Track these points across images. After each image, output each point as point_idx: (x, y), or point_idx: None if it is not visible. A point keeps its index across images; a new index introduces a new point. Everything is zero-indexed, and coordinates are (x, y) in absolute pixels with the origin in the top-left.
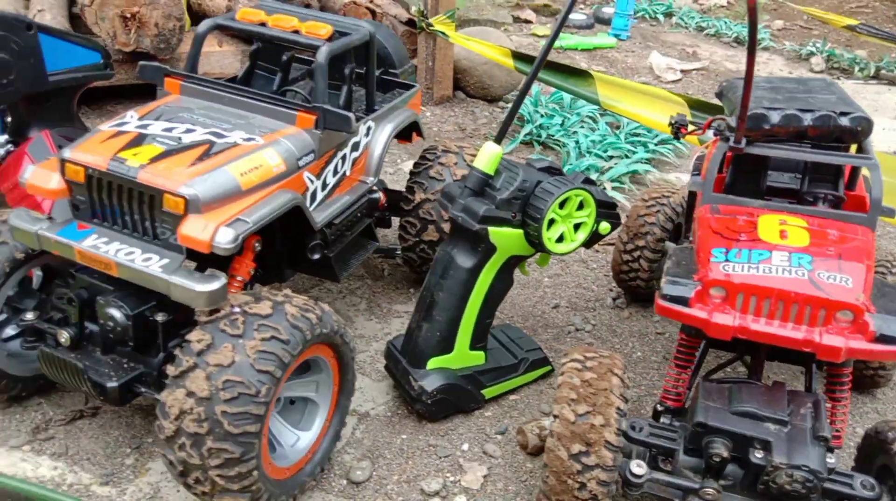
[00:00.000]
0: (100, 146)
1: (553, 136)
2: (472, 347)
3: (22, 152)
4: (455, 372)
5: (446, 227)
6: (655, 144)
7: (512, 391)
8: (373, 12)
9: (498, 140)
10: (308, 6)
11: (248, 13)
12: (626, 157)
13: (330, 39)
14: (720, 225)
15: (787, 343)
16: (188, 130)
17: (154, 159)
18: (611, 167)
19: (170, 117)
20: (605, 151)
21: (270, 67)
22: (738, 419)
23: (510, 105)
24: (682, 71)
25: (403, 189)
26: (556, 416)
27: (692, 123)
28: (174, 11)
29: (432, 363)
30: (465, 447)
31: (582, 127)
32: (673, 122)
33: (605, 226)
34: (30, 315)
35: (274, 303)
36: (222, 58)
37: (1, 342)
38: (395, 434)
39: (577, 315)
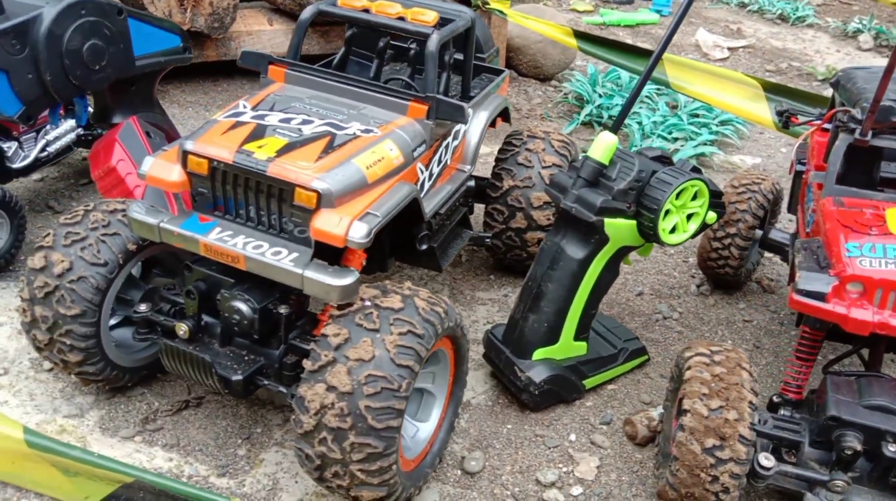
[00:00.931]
0: (222, 138)
1: (614, 117)
2: (576, 337)
3: (112, 139)
4: (560, 363)
5: (535, 214)
6: (717, 125)
7: (610, 381)
8: None
9: (614, 130)
10: None
11: None
12: (691, 138)
13: (436, 26)
14: (848, 218)
15: None
16: (305, 121)
17: (280, 152)
18: (676, 150)
19: (283, 107)
20: (670, 133)
21: (366, 53)
22: (869, 412)
23: (564, 84)
24: (728, 49)
25: (488, 176)
26: (687, 410)
27: (801, 112)
28: None
29: (538, 354)
30: (573, 437)
31: (642, 107)
32: (781, 111)
33: (711, 216)
34: (143, 307)
35: (403, 296)
36: (273, 36)
37: (109, 333)
38: (500, 424)
39: (663, 303)
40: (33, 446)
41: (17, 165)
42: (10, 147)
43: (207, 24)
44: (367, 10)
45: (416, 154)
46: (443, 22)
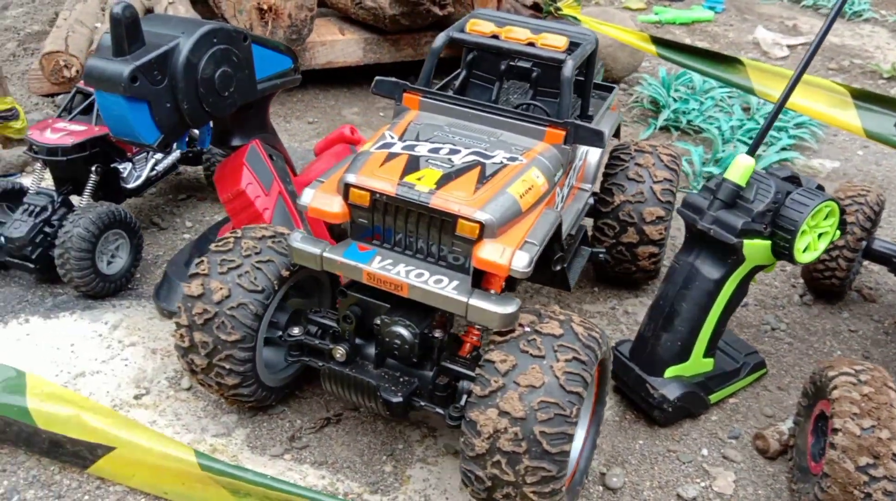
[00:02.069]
0: (381, 170)
1: (692, 122)
2: (705, 355)
3: (240, 163)
4: (690, 379)
5: (647, 229)
6: (793, 128)
7: (732, 395)
8: None
9: (752, 152)
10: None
11: (478, 25)
12: (771, 143)
13: (567, 51)
14: None
15: None
16: (452, 151)
17: (439, 183)
18: (759, 155)
19: (428, 137)
20: (751, 138)
21: (485, 75)
22: None
23: (635, 88)
24: (788, 46)
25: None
26: (838, 429)
27: None
28: (306, 2)
29: (670, 371)
30: (705, 452)
31: (718, 112)
32: None
33: (836, 233)
34: (296, 330)
35: (560, 322)
36: (346, 46)
37: (260, 356)
38: (631, 440)
39: (769, 314)
40: (206, 469)
41: (130, 186)
42: (125, 168)
43: (286, 37)
44: (496, 36)
45: (556, 179)
46: (572, 46)
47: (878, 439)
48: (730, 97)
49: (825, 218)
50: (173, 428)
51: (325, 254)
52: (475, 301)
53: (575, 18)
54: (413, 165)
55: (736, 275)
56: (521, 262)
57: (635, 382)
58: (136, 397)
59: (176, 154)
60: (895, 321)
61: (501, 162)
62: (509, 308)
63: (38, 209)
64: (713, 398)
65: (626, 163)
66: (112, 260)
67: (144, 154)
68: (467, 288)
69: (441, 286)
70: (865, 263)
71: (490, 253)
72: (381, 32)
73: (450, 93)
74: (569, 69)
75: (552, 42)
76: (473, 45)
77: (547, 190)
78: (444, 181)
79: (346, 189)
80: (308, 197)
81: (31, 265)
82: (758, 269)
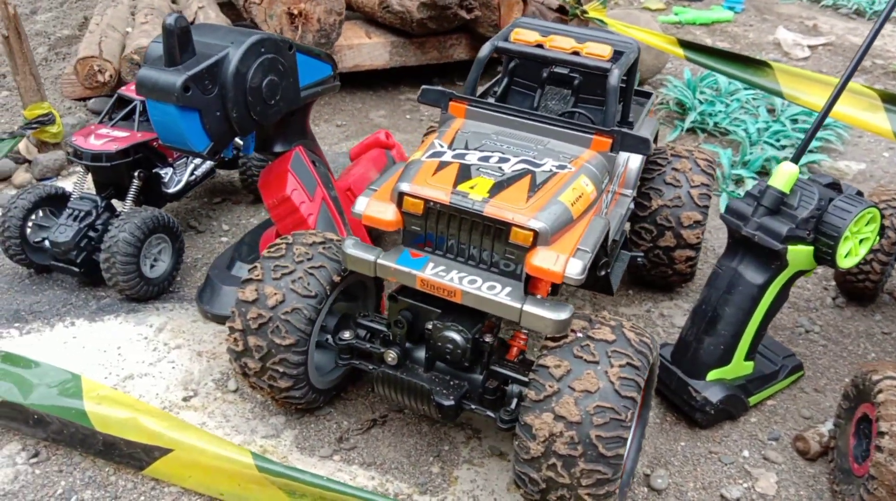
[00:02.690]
0: (433, 179)
1: (718, 124)
2: (746, 358)
3: (285, 169)
4: (731, 382)
5: (685, 233)
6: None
7: (769, 397)
8: (524, 0)
9: (795, 160)
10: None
11: (522, 34)
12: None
13: (611, 60)
14: None
15: None
16: (502, 159)
17: (491, 192)
18: (786, 157)
19: (477, 146)
20: (778, 141)
21: (525, 82)
22: None
23: (661, 90)
24: (809, 47)
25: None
26: (885, 433)
27: None
28: (335, 6)
29: (712, 375)
30: (746, 453)
31: (744, 114)
32: None
33: (876, 238)
34: (347, 334)
35: (611, 328)
36: (372, 49)
37: (312, 359)
38: (673, 442)
39: (802, 316)
40: (263, 470)
41: (171, 190)
42: (166, 173)
43: (315, 41)
44: (540, 45)
45: (603, 186)
46: (616, 54)
47: None
48: (754, 99)
49: (867, 224)
50: (223, 430)
51: (379, 261)
52: (529, 307)
53: (602, 21)
54: (465, 173)
55: (779, 280)
56: (575, 269)
57: (678, 385)
58: (185, 399)
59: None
60: None
61: (551, 170)
62: (563, 314)
63: (82, 214)
64: (752, 400)
65: (663, 167)
66: (155, 264)
67: (184, 159)
68: (520, 294)
69: (494, 293)
70: None
71: (544, 260)
72: (407, 35)
73: (492, 100)
74: (615, 78)
75: (597, 51)
76: (519, 54)
77: (596, 197)
78: (496, 190)
79: (399, 197)
80: (362, 205)
81: (76, 269)
82: (800, 274)
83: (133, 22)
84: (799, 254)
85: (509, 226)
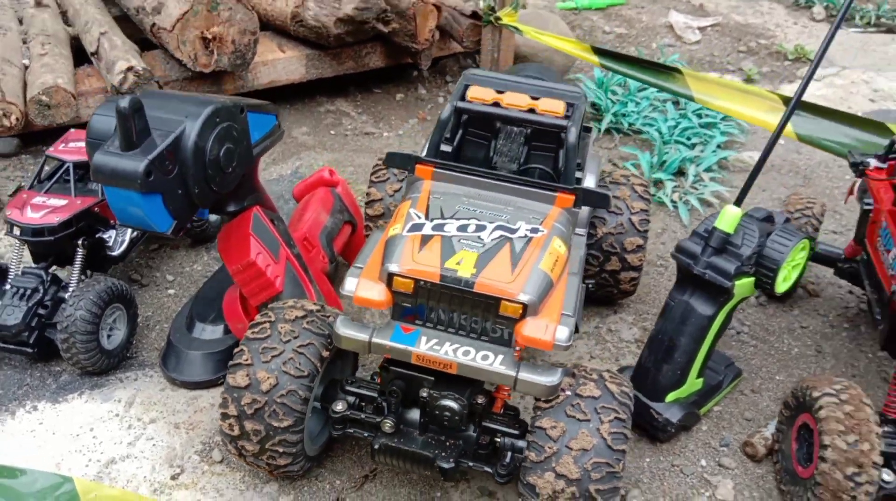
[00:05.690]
0: (420, 257)
1: (633, 124)
2: (697, 376)
3: (246, 234)
4: (686, 400)
5: (629, 257)
6: (722, 124)
7: (716, 404)
8: (438, 7)
9: (738, 203)
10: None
11: (479, 92)
12: (706, 142)
13: (565, 115)
14: None
15: None
16: (479, 227)
17: (478, 266)
18: (699, 156)
19: (452, 213)
20: (688, 139)
21: (478, 132)
22: None
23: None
24: (699, 28)
25: None
26: (828, 445)
27: (878, 156)
28: (249, 25)
29: (670, 396)
30: (703, 462)
31: (655, 113)
32: (856, 162)
33: (806, 263)
34: (340, 406)
35: (595, 382)
36: (288, 64)
37: (306, 432)
38: (639, 458)
39: (733, 319)
40: None
41: (116, 253)
42: (110, 236)
43: (231, 63)
44: (497, 104)
45: (571, 241)
46: (569, 108)
47: (861, 451)
48: (660, 94)
49: (800, 252)
50: None
51: (373, 340)
52: (523, 375)
53: (516, 29)
54: (448, 247)
55: (726, 309)
56: (563, 335)
57: (640, 407)
58: (173, 477)
59: None
60: (838, 314)
61: (526, 235)
62: (555, 379)
63: (28, 292)
64: (703, 410)
65: None
66: (111, 333)
67: None
68: (512, 361)
69: (489, 362)
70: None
71: (534, 331)
72: (322, 48)
73: (449, 148)
74: (573, 136)
75: (551, 108)
76: (478, 113)
77: (567, 254)
78: (482, 263)
79: (389, 278)
80: (352, 286)
81: (30, 350)
82: (743, 299)
83: (29, 53)
84: (743, 285)
85: (499, 300)
